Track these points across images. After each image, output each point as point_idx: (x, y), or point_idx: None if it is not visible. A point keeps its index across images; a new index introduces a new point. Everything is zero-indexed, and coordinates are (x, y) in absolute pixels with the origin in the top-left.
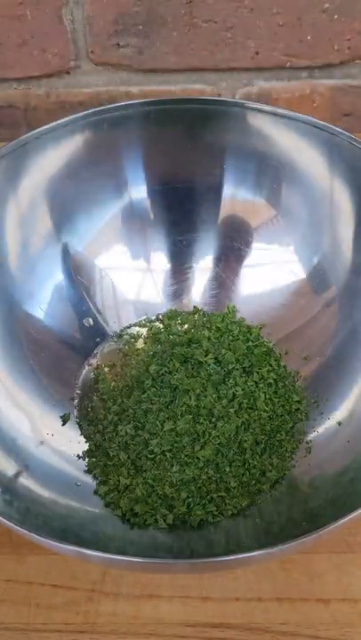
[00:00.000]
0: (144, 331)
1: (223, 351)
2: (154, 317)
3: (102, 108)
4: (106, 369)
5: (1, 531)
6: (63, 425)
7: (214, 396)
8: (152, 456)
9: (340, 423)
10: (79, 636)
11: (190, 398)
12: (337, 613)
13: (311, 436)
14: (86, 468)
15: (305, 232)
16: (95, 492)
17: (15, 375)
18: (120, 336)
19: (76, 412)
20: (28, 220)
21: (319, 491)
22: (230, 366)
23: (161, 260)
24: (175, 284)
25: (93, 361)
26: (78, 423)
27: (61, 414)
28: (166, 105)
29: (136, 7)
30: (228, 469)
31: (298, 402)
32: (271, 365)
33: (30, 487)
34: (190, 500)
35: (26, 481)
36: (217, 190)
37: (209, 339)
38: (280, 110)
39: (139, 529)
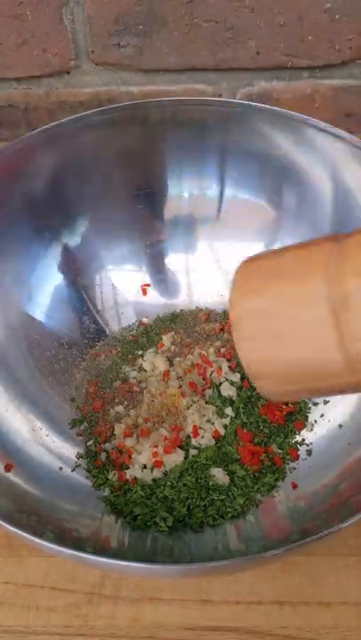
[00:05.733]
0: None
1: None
2: (154, 318)
3: (103, 108)
4: (105, 370)
5: (0, 533)
6: (71, 428)
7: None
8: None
9: (341, 425)
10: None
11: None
12: (338, 617)
13: (312, 439)
14: (85, 470)
15: (306, 233)
16: (94, 494)
17: (14, 376)
18: (119, 338)
19: (75, 414)
20: (28, 220)
21: (320, 493)
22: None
23: (161, 261)
24: (175, 285)
25: (93, 362)
26: (78, 424)
27: (62, 416)
28: (167, 105)
29: (136, 7)
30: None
31: (297, 403)
32: None
33: (28, 489)
34: (190, 501)
35: (23, 483)
36: (218, 191)
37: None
38: (281, 110)
39: (139, 531)
